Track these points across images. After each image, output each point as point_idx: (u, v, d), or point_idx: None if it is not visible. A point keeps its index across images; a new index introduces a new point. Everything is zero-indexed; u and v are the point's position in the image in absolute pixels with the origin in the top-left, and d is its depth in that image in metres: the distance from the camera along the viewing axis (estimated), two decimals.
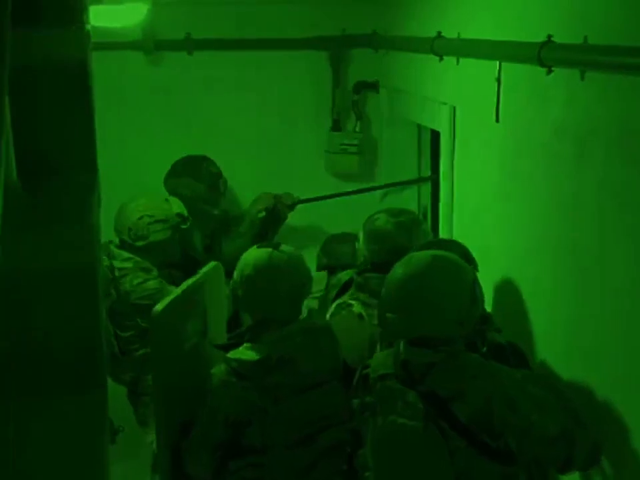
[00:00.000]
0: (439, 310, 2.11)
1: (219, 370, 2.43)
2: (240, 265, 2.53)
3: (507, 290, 2.88)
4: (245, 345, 2.45)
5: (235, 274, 2.54)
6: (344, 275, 3.09)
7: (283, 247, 2.57)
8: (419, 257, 2.23)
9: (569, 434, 2.05)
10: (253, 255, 2.53)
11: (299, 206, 4.00)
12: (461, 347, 2.16)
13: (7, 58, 0.93)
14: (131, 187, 3.61)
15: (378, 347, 2.62)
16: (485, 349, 2.28)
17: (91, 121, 1.20)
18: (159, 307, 2.41)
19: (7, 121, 0.94)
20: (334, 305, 2.84)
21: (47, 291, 1.07)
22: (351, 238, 3.32)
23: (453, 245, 2.58)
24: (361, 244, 2.88)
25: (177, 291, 2.57)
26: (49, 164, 1.17)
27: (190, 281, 2.64)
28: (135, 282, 3.28)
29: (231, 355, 2.43)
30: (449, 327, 2.12)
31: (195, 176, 3.84)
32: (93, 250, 1.06)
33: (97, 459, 1.06)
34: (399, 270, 2.19)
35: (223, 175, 3.95)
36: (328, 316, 2.83)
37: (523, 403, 2.03)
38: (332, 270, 3.49)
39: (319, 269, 3.58)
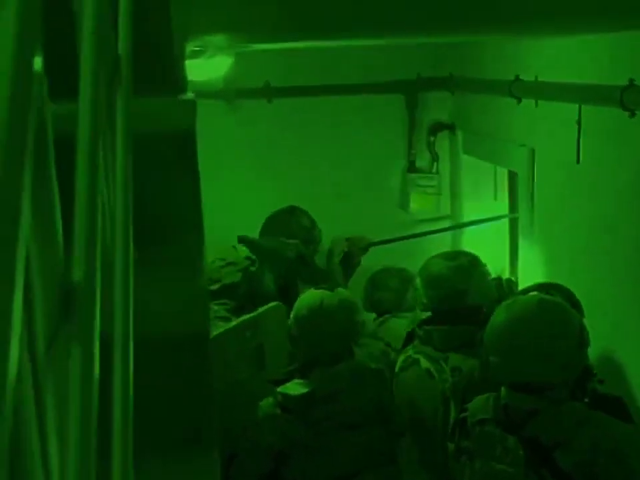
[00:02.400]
0: (544, 355, 2.07)
1: (266, 402, 2.51)
2: (296, 306, 2.67)
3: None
4: (294, 380, 2.54)
5: (291, 315, 2.67)
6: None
7: (338, 290, 2.69)
8: (524, 300, 2.21)
9: None
10: (308, 297, 2.66)
11: (373, 247, 4.00)
12: (565, 394, 2.12)
13: (131, 129, 1.00)
14: (213, 234, 3.69)
15: (452, 402, 2.57)
16: (586, 399, 2.24)
17: (198, 187, 1.26)
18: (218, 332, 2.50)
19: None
20: (401, 358, 2.78)
21: (159, 355, 1.12)
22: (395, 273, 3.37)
23: (555, 289, 2.55)
24: (418, 291, 2.81)
25: (228, 326, 2.66)
26: (159, 230, 1.23)
27: (245, 317, 2.73)
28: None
29: (280, 389, 2.51)
30: (554, 372, 2.07)
31: (287, 234, 3.73)
32: (204, 315, 1.10)
33: None
34: (502, 314, 2.17)
35: (316, 225, 3.87)
36: (397, 369, 2.77)
37: (632, 457, 1.98)
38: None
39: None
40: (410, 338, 2.84)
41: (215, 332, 2.56)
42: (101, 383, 0.81)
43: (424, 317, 2.75)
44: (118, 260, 0.88)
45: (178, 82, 1.34)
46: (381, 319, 3.37)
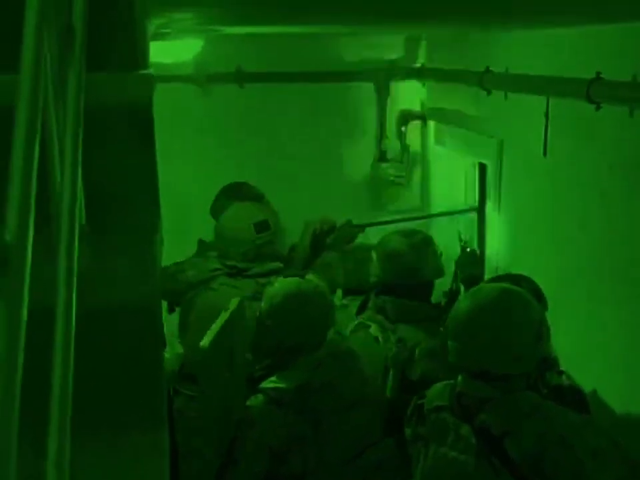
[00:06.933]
0: (500, 345, 2.08)
1: (256, 401, 2.43)
2: (268, 295, 2.59)
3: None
4: (276, 374, 2.47)
5: (263, 304, 2.58)
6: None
7: (309, 276, 2.65)
8: (488, 289, 2.22)
9: None
10: (281, 284, 2.59)
11: None
12: (520, 385, 2.14)
13: (82, 100, 0.99)
14: (180, 219, 3.69)
15: (392, 371, 2.71)
16: (545, 390, 2.26)
17: (154, 161, 1.26)
18: (205, 342, 2.42)
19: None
20: (355, 322, 2.92)
21: (108, 325, 1.11)
22: None
23: (524, 281, 2.56)
24: (374, 263, 2.95)
25: (215, 327, 2.56)
26: (114, 202, 1.22)
27: (223, 317, 2.63)
28: None
29: (265, 384, 2.45)
30: (507, 363, 2.09)
31: (237, 197, 3.80)
32: (153, 285, 1.10)
33: None
34: (466, 300, 2.18)
35: (265, 197, 3.88)
36: (348, 332, 2.89)
37: (578, 447, 1.98)
38: None
39: None
40: (364, 306, 2.99)
41: (206, 337, 2.47)
42: (42, 356, 0.80)
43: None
44: (63, 229, 0.87)
45: (137, 57, 1.32)
46: (348, 297, 3.33)
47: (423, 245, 2.92)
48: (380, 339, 2.77)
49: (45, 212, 1.07)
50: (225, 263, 3.46)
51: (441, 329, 2.53)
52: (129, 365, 1.08)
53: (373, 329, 2.82)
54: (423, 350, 2.72)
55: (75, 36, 1.16)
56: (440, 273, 2.97)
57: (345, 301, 3.28)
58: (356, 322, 2.90)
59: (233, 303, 2.74)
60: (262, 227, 3.47)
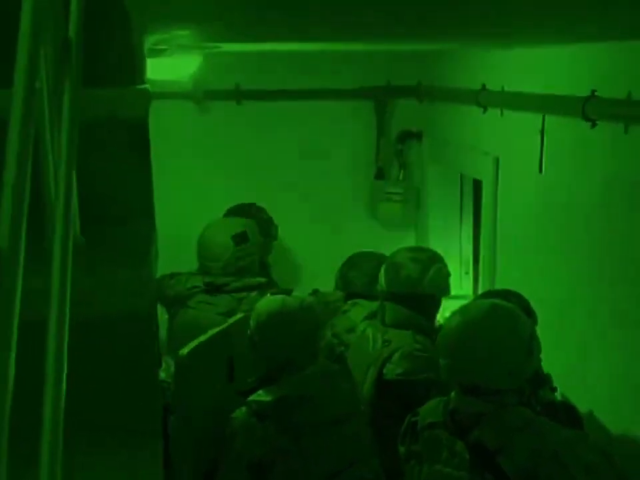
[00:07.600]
0: (491, 360, 2.08)
1: (239, 413, 2.46)
2: (255, 312, 2.63)
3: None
4: (263, 388, 2.50)
5: (252, 321, 2.63)
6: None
7: (295, 294, 2.69)
8: (478, 305, 2.22)
9: None
10: (267, 302, 2.63)
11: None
12: (513, 399, 2.14)
13: (77, 114, 1.00)
14: (178, 234, 3.69)
15: (371, 369, 2.81)
16: (538, 407, 2.25)
17: (149, 174, 1.26)
18: (184, 350, 2.46)
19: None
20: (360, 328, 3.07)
21: (102, 335, 1.12)
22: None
23: (513, 296, 2.57)
24: (381, 275, 3.04)
25: (202, 337, 2.61)
26: (110, 214, 1.23)
27: (217, 329, 2.69)
28: None
29: (252, 397, 2.47)
30: (500, 377, 2.09)
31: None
32: (148, 297, 1.10)
33: None
34: (455, 317, 2.19)
35: (273, 221, 3.97)
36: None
37: (571, 463, 1.96)
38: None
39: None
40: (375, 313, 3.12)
41: (188, 346, 2.53)
42: (34, 367, 0.80)
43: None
44: (57, 240, 0.87)
45: (134, 72, 1.33)
46: (349, 303, 3.34)
47: (428, 260, 3.00)
48: (370, 339, 2.90)
49: (40, 224, 1.07)
50: (203, 279, 3.46)
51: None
52: (124, 375, 1.08)
53: (368, 331, 2.96)
54: (404, 352, 2.78)
55: (72, 50, 1.17)
56: (442, 290, 3.02)
57: (345, 307, 3.32)
58: (361, 328, 3.04)
59: (236, 317, 2.78)
60: (240, 238, 3.48)
